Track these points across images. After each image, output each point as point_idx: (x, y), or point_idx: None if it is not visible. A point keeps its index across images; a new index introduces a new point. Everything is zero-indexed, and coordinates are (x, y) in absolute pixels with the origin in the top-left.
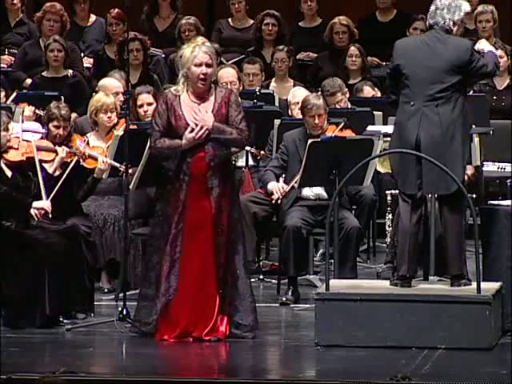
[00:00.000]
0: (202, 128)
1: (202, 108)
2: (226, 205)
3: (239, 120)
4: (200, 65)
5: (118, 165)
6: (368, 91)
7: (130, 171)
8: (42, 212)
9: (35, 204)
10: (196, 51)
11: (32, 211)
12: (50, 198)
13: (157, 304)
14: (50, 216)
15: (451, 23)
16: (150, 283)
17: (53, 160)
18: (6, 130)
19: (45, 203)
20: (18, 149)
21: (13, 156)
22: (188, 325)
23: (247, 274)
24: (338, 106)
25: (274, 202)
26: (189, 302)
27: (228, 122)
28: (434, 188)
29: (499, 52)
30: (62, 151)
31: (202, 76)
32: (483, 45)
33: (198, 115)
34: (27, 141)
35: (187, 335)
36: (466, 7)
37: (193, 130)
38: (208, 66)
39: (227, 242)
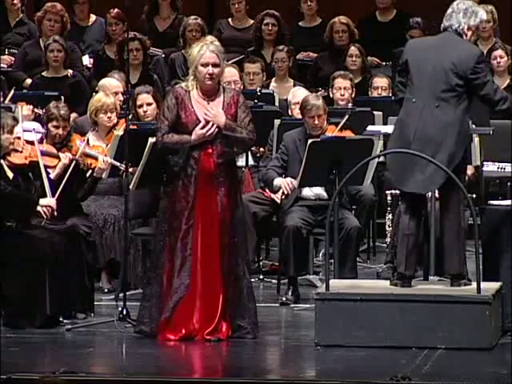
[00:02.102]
0: (212, 125)
1: (212, 105)
2: (231, 204)
3: (247, 122)
4: (207, 64)
5: (118, 164)
6: (382, 81)
7: (131, 170)
8: (49, 209)
9: (42, 201)
10: (203, 50)
11: (40, 209)
12: (55, 198)
13: (168, 302)
14: (56, 214)
15: (466, 27)
16: (158, 282)
17: (55, 166)
18: (11, 132)
19: (51, 200)
20: (21, 152)
21: (16, 159)
22: (195, 325)
23: (249, 275)
24: (342, 93)
25: (282, 196)
26: (196, 301)
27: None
28: (415, 187)
29: (499, 52)
30: (65, 158)
31: (207, 76)
32: None
33: (210, 112)
34: (30, 143)
35: (193, 336)
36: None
37: (204, 126)
38: (215, 65)
39: (231, 242)
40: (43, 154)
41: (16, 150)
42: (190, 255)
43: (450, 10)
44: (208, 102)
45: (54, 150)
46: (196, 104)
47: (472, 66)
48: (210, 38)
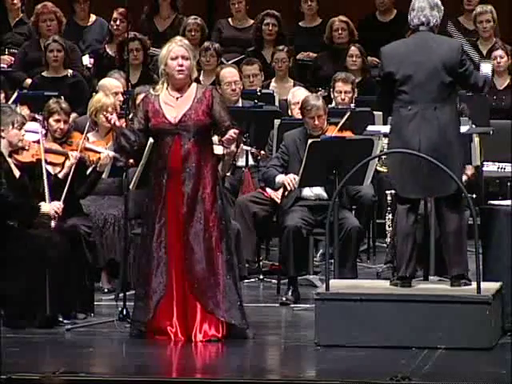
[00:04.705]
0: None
1: (181, 101)
2: (204, 202)
3: (228, 114)
4: (176, 57)
5: (119, 155)
6: None
7: (131, 161)
8: (58, 213)
9: (44, 208)
10: (171, 46)
11: (51, 210)
12: (62, 199)
13: (150, 303)
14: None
15: (439, 22)
16: (143, 282)
17: (61, 163)
18: (20, 129)
19: (55, 204)
20: (28, 150)
21: (23, 157)
22: (177, 324)
23: (230, 273)
24: (343, 97)
25: (285, 193)
26: (174, 300)
27: (208, 118)
28: (433, 191)
29: (499, 52)
30: (73, 156)
31: (178, 68)
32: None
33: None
34: (36, 142)
35: (180, 335)
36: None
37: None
38: (184, 58)
39: (204, 237)
40: (49, 151)
41: (23, 149)
42: (164, 254)
43: (422, 5)
44: (177, 99)
45: (60, 148)
46: (164, 105)
47: (459, 60)
48: (178, 37)
